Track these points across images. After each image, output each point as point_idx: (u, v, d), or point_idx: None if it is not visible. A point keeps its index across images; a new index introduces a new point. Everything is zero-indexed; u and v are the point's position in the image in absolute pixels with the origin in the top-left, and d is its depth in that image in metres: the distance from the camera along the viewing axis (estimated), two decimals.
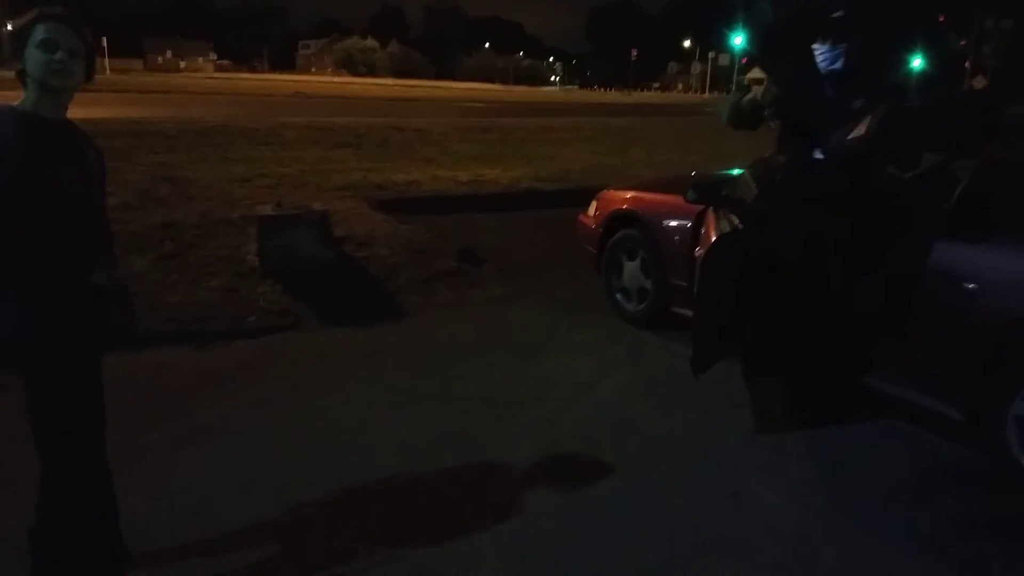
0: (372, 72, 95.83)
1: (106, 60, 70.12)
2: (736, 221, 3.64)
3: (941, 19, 51.26)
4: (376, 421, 3.56)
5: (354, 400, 3.79)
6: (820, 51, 3.44)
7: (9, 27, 2.21)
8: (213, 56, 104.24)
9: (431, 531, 2.72)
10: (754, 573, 2.56)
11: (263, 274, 5.29)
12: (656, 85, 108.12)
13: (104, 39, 69.62)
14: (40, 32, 2.13)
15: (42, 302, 2.08)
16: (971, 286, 3.10)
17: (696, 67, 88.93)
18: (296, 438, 3.34)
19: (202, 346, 4.37)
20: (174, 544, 2.59)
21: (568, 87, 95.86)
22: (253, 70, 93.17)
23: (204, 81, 46.74)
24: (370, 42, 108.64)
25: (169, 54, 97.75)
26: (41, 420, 2.16)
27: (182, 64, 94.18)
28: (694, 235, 4.46)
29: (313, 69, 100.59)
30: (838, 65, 3.40)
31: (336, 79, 70.32)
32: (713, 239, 3.61)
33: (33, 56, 2.12)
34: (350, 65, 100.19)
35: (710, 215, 4.09)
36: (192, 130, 12.16)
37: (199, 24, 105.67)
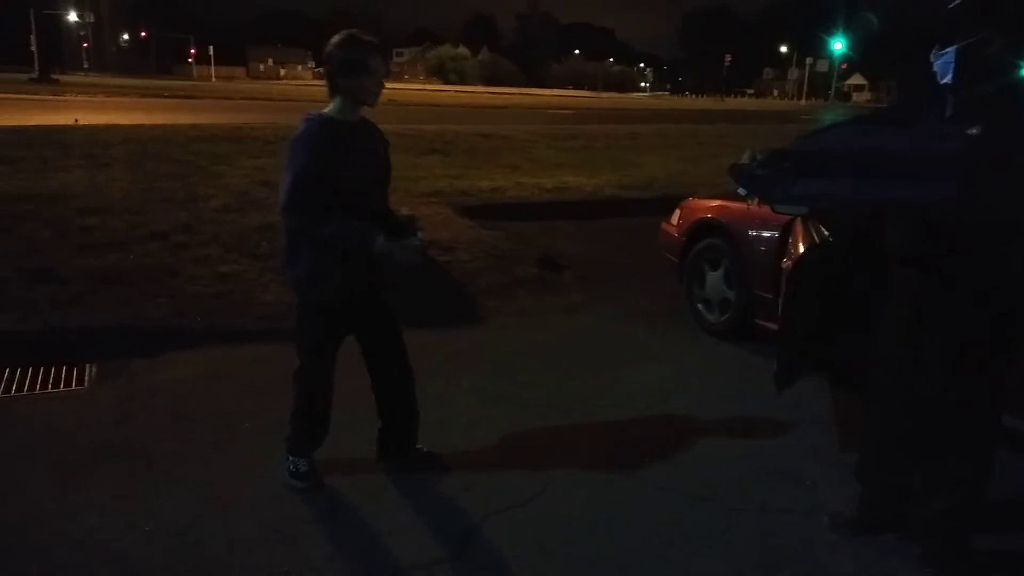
0: (463, 80, 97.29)
1: (212, 68, 74.03)
2: (825, 233, 3.54)
3: None
4: (449, 422, 3.64)
5: (429, 400, 3.86)
6: (935, 60, 2.40)
7: (341, 50, 2.67)
8: (311, 64, 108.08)
9: (497, 533, 2.77)
10: None
11: None
12: (750, 91, 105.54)
13: (211, 48, 73.58)
14: (373, 63, 2.65)
15: (343, 261, 2.71)
16: None
17: (793, 73, 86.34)
18: (371, 433, 3.44)
19: (292, 343, 4.55)
20: (254, 530, 2.73)
21: (659, 93, 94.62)
22: None
23: (302, 88, 48.55)
24: (462, 50, 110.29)
25: (270, 62, 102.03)
26: (301, 335, 2.95)
27: (282, 71, 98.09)
28: (781, 246, 4.36)
29: (406, 76, 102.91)
30: (948, 77, 2.35)
31: (427, 87, 71.77)
32: (801, 251, 3.51)
33: (363, 81, 2.65)
34: (441, 73, 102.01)
35: (798, 226, 3.99)
36: (289, 136, 12.67)
37: (299, 33, 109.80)
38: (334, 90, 2.69)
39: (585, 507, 2.96)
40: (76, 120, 13.16)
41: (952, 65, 2.32)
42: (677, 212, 5.57)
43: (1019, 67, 2.35)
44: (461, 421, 3.66)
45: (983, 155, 2.26)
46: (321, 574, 2.50)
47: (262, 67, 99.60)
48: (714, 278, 5.01)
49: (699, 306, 5.16)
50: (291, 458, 3.02)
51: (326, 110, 2.71)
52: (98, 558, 2.54)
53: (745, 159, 2.70)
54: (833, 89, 74.65)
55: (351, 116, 2.72)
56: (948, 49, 2.33)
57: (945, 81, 2.36)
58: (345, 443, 3.36)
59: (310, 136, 2.63)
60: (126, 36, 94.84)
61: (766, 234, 4.52)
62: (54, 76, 33.96)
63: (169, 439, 3.36)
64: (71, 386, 3.90)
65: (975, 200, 2.23)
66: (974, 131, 2.29)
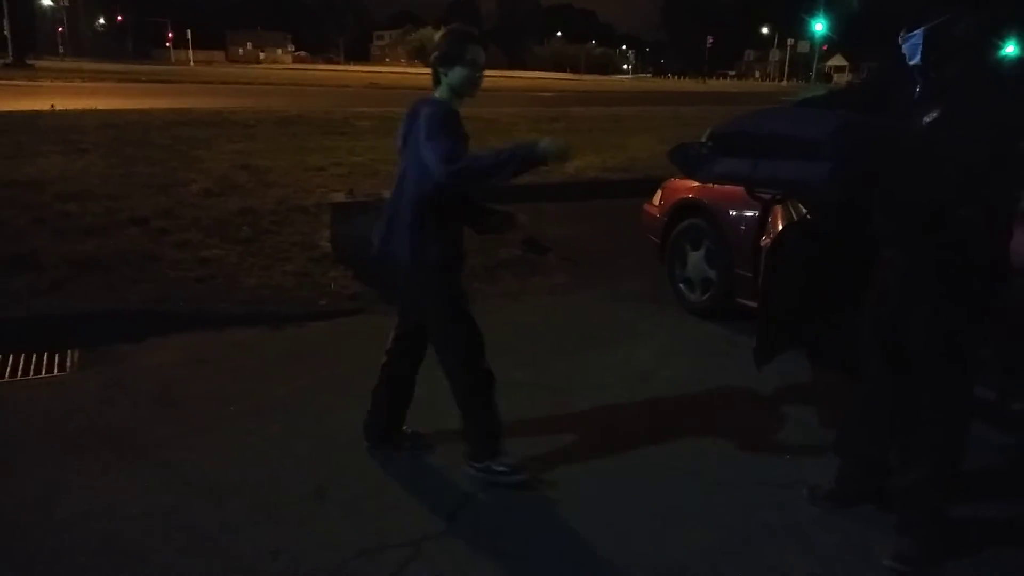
0: None
1: (190, 52, 73.02)
2: (804, 210, 3.59)
3: None
4: (437, 401, 3.63)
5: (418, 381, 3.90)
6: (902, 43, 2.41)
7: (443, 42, 2.76)
8: (291, 47, 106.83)
9: (485, 510, 2.81)
10: (806, 563, 2.56)
11: (335, 259, 5.47)
12: (732, 73, 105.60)
13: (188, 31, 72.51)
14: (469, 53, 2.70)
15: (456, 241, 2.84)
16: None
17: (774, 54, 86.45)
18: (359, 415, 3.45)
19: (277, 327, 4.56)
20: (242, 512, 2.75)
21: (642, 75, 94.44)
22: (329, 61, 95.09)
23: (282, 72, 48.00)
24: None
25: (249, 46, 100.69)
26: (447, 326, 2.94)
27: (262, 55, 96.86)
28: (761, 225, 4.39)
29: (387, 60, 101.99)
30: (917, 59, 2.36)
31: (410, 70, 71.05)
32: (780, 229, 3.56)
33: (460, 73, 2.71)
34: (423, 56, 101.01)
35: (777, 205, 4.03)
36: (270, 120, 12.58)
37: (278, 16, 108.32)
38: (437, 80, 2.78)
39: (572, 483, 2.99)
40: (52, 105, 12.97)
41: (920, 47, 2.32)
42: (659, 193, 5.59)
43: (987, 47, 2.36)
44: (448, 402, 3.67)
45: (934, 139, 2.26)
46: (310, 553, 2.52)
47: (241, 51, 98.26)
48: (696, 258, 5.05)
49: (681, 286, 5.20)
50: (487, 464, 2.94)
51: (444, 98, 2.78)
52: (86, 542, 2.54)
53: (704, 137, 2.78)
54: (814, 70, 74.85)
55: (455, 105, 2.78)
56: (916, 31, 2.33)
57: (914, 63, 2.37)
58: (330, 424, 3.39)
59: (447, 112, 2.70)
60: (102, 20, 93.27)
61: (747, 213, 4.55)
62: (29, 61, 33.35)
63: (154, 424, 3.36)
64: (54, 372, 3.88)
65: (844, 180, 2.27)
66: (935, 114, 2.30)
